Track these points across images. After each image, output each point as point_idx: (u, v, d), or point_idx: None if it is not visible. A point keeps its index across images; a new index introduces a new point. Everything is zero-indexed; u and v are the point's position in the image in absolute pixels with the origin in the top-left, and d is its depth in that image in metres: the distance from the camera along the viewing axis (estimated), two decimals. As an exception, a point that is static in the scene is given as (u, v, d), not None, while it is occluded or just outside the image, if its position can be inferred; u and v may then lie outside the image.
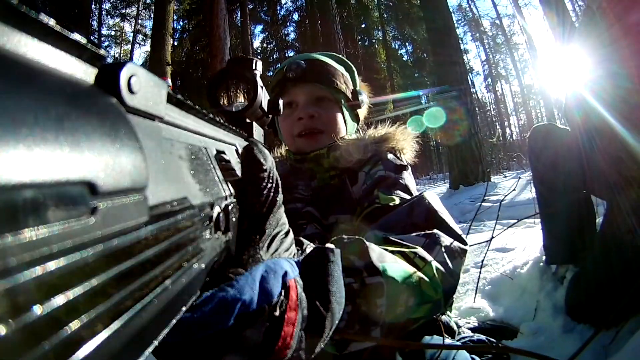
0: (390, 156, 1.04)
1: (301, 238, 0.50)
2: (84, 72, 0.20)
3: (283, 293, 0.36)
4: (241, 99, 0.53)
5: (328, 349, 0.51)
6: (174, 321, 0.26)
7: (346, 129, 1.14)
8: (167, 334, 0.30)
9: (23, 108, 0.14)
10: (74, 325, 0.15)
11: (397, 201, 0.87)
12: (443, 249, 0.69)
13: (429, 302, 0.60)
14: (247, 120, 0.53)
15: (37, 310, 0.13)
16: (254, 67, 0.51)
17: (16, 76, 0.14)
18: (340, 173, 1.06)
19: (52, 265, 0.14)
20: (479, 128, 7.37)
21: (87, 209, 0.16)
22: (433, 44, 7.63)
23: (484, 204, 4.64)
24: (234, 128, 0.46)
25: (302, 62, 1.08)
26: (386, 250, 0.61)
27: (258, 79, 0.51)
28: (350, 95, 1.14)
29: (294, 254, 0.45)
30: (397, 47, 19.98)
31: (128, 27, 21.30)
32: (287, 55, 20.69)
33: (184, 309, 0.28)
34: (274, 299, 0.35)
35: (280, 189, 0.42)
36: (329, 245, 0.47)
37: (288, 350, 0.36)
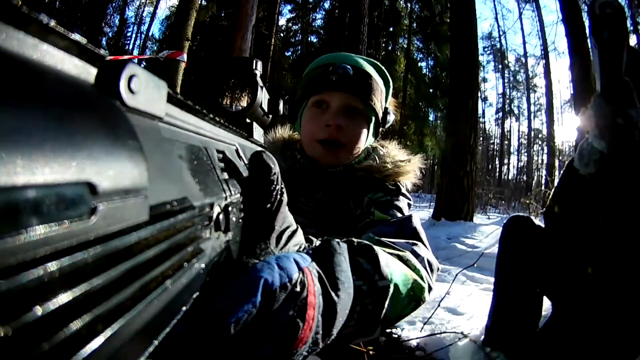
0: (392, 184, 1.06)
1: (310, 236, 0.52)
2: (84, 72, 0.20)
3: (301, 274, 0.39)
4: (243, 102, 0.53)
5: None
6: (174, 321, 0.26)
7: (365, 143, 1.12)
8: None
9: (23, 108, 0.14)
10: (75, 325, 0.15)
11: (390, 219, 0.93)
12: (425, 260, 0.77)
13: (414, 302, 0.66)
14: (247, 120, 0.53)
15: (38, 310, 0.13)
16: (254, 67, 0.52)
17: (16, 77, 0.14)
18: (347, 191, 1.06)
19: (52, 266, 0.14)
20: (475, 167, 7.30)
21: (87, 209, 0.16)
22: (453, 74, 7.45)
23: (459, 246, 4.68)
24: (234, 128, 0.46)
25: (350, 67, 1.03)
26: (385, 252, 0.65)
27: (258, 79, 0.52)
28: (380, 114, 1.11)
29: (304, 248, 0.48)
30: (418, 58, 19.91)
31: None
32: (309, 39, 20.46)
33: (184, 308, 0.28)
34: (293, 276, 0.38)
35: (284, 190, 0.45)
36: (335, 239, 0.51)
37: (310, 334, 0.39)
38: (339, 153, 1.06)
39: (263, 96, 0.54)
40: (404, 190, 1.06)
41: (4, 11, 0.14)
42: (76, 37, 0.18)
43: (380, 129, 1.17)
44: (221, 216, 0.34)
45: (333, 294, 0.42)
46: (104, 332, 0.17)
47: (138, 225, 0.20)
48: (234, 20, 7.13)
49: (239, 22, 6.80)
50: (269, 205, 0.42)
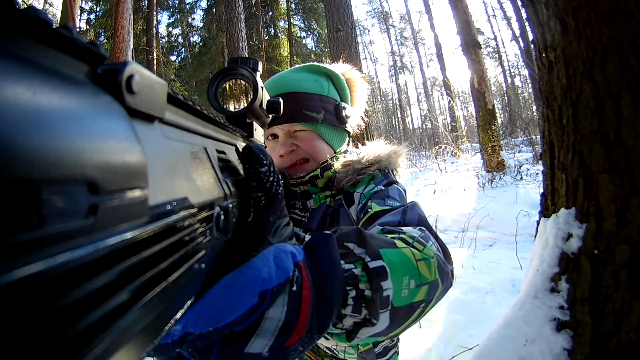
0: (381, 174, 1.04)
1: (297, 232, 0.52)
2: (84, 73, 0.20)
3: (296, 271, 0.39)
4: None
5: (338, 338, 0.52)
6: (174, 321, 0.26)
7: (333, 148, 1.11)
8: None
9: (23, 108, 0.13)
10: (75, 325, 0.15)
11: (391, 209, 0.88)
12: (434, 242, 0.71)
13: (425, 284, 0.60)
14: (247, 120, 0.53)
15: (37, 310, 0.13)
16: (254, 67, 0.51)
17: (16, 77, 0.14)
18: (336, 193, 1.05)
19: (51, 265, 0.14)
20: (372, 139, 7.15)
21: (87, 208, 0.16)
22: (333, 52, 6.99)
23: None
24: (234, 128, 0.46)
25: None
26: (385, 236, 0.62)
27: (258, 79, 0.51)
28: (332, 116, 1.09)
29: (295, 243, 0.47)
30: (302, 36, 19.72)
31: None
32: (191, 40, 19.83)
33: (184, 308, 0.28)
34: (289, 274, 0.38)
35: (281, 182, 0.45)
36: (326, 232, 0.50)
37: (304, 330, 0.38)
38: (306, 166, 1.07)
39: (263, 96, 0.53)
40: (395, 178, 1.05)
41: (3, 11, 0.14)
42: (76, 37, 0.18)
43: (344, 126, 1.13)
44: (221, 216, 0.34)
45: (327, 288, 0.42)
46: (104, 331, 0.17)
47: (138, 225, 0.20)
48: (112, 51, 6.71)
49: (116, 51, 6.45)
50: (264, 198, 0.42)
